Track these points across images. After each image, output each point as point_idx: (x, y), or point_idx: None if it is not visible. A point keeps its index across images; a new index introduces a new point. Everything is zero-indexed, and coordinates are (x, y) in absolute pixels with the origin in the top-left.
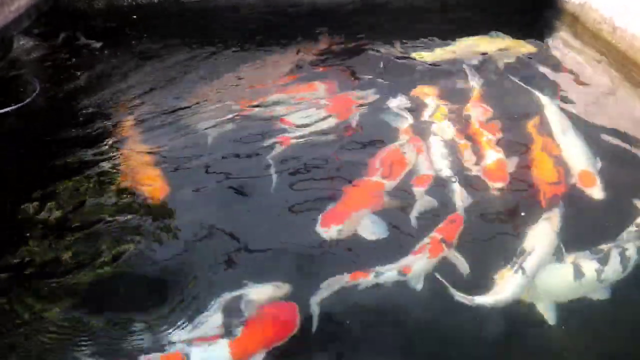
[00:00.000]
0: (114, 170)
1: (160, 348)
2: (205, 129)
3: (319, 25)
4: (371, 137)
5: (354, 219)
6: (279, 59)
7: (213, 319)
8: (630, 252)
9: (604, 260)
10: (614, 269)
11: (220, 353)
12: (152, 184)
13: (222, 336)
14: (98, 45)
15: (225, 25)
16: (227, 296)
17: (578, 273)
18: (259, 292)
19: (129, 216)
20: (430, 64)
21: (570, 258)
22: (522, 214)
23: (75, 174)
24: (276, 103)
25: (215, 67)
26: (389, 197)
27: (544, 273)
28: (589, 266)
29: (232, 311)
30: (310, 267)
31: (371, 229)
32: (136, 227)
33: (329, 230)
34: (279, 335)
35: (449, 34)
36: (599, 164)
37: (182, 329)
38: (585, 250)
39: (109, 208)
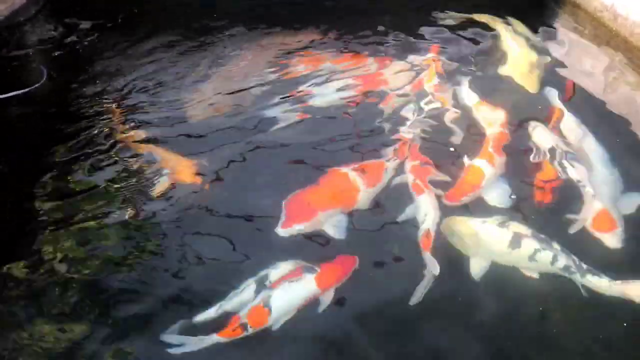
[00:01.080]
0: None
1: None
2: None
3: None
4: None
5: (319, 218)
6: (281, 40)
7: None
8: (568, 260)
9: (544, 246)
10: (547, 259)
11: (306, 285)
12: (175, 167)
13: (304, 273)
14: (106, 31)
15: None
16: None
17: (515, 243)
18: (284, 269)
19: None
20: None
21: (515, 227)
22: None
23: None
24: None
25: (231, 49)
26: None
27: (486, 232)
28: (529, 244)
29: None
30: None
31: (332, 230)
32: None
33: (290, 230)
34: (347, 271)
35: None
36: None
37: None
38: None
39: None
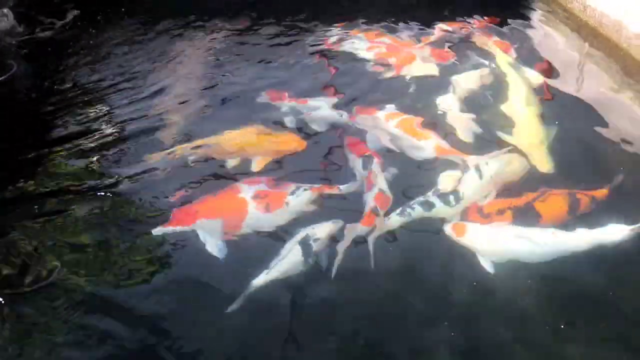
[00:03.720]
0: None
1: None
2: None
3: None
4: None
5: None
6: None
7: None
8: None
9: None
10: None
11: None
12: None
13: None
14: (81, 23)
15: None
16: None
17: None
18: (321, 229)
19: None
20: None
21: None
22: None
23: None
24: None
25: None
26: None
27: None
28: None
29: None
30: None
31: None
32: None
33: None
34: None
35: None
36: None
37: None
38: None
39: None
